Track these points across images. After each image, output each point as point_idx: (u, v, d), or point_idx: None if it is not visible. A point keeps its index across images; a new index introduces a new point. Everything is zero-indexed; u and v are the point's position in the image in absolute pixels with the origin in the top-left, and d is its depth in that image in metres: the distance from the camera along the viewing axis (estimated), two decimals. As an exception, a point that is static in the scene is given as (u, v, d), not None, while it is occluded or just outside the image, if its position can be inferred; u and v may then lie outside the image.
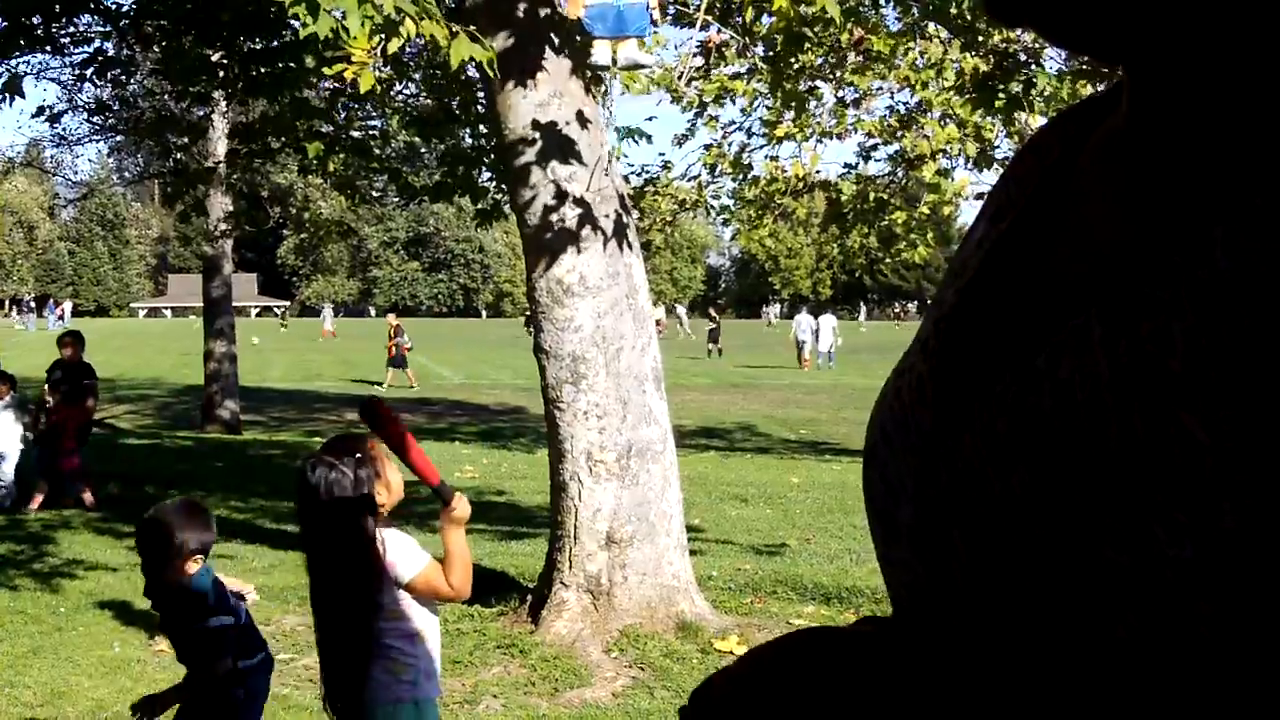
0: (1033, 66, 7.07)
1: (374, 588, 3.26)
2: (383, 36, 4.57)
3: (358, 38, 4.42)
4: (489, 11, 6.20)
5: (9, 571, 8.07)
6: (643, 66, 6.39)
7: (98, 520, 10.18)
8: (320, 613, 3.33)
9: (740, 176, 13.66)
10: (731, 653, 6.20)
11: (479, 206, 9.53)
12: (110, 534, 9.55)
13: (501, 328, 63.60)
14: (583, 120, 6.41)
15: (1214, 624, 0.54)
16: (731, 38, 7.80)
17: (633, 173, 12.50)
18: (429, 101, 10.30)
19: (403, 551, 3.35)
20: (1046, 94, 7.46)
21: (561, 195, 6.38)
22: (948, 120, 11.80)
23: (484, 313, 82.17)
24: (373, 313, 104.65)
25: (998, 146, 12.60)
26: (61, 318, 68.09)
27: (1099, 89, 7.79)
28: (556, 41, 6.38)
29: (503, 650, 6.18)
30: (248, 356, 28.90)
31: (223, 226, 19.65)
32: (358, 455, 3.31)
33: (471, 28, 5.32)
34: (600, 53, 5.85)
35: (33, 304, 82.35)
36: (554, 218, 6.39)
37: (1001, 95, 6.68)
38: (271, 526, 10.05)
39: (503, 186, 9.14)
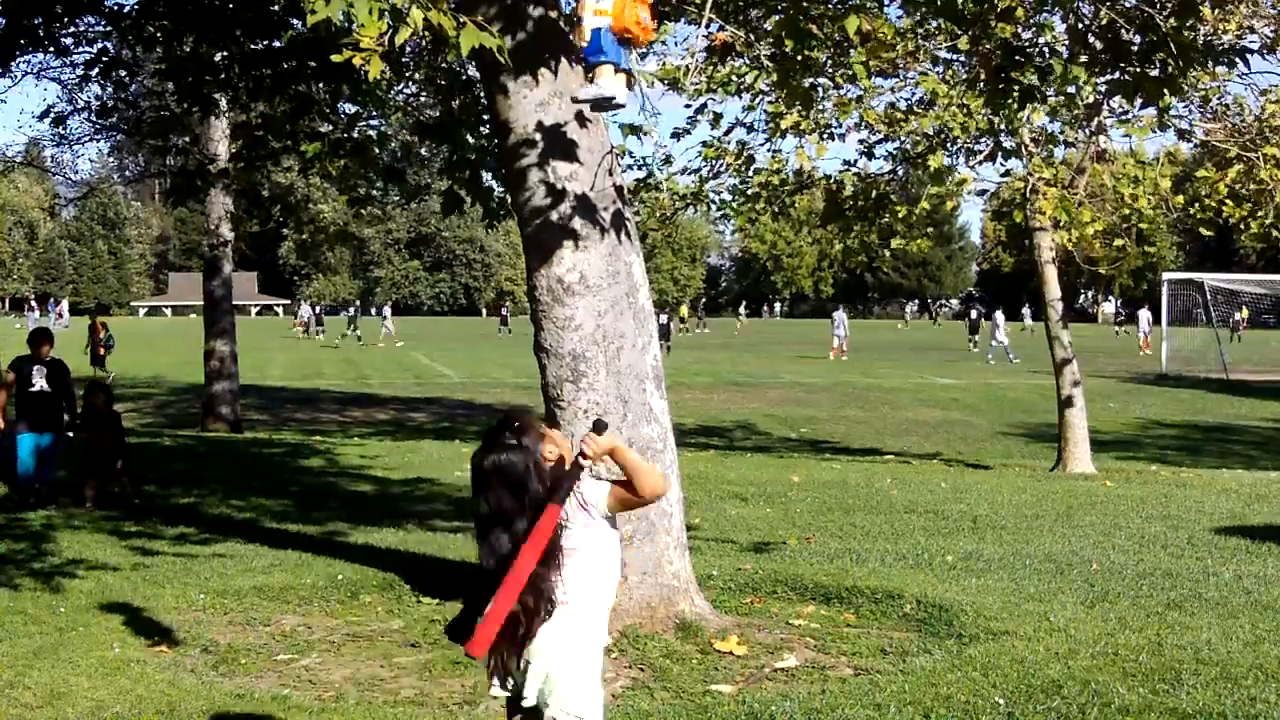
0: (1047, 54, 7.00)
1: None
2: (391, 26, 4.53)
3: (365, 25, 4.40)
4: (487, 8, 6.18)
5: (9, 571, 8.05)
6: (611, 100, 5.53)
7: (100, 520, 10.16)
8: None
9: (744, 169, 13.64)
10: (731, 653, 6.18)
11: (487, 205, 9.49)
12: (112, 534, 9.52)
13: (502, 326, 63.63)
14: (583, 119, 6.39)
15: None
16: (733, 34, 7.77)
17: (634, 165, 12.45)
18: (429, 101, 10.27)
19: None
20: (1056, 86, 7.40)
21: (562, 194, 6.36)
22: (954, 110, 11.78)
23: (484, 312, 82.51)
24: (373, 312, 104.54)
25: (1004, 142, 12.58)
26: (60, 316, 68.02)
27: (1104, 78, 7.75)
28: (557, 40, 6.36)
29: (503, 650, 6.15)
30: (248, 355, 28.88)
31: (226, 235, 19.63)
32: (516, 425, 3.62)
33: (478, 18, 5.29)
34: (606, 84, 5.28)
35: (34, 303, 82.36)
36: (554, 216, 6.37)
37: (1016, 88, 6.60)
38: (272, 526, 10.03)
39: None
